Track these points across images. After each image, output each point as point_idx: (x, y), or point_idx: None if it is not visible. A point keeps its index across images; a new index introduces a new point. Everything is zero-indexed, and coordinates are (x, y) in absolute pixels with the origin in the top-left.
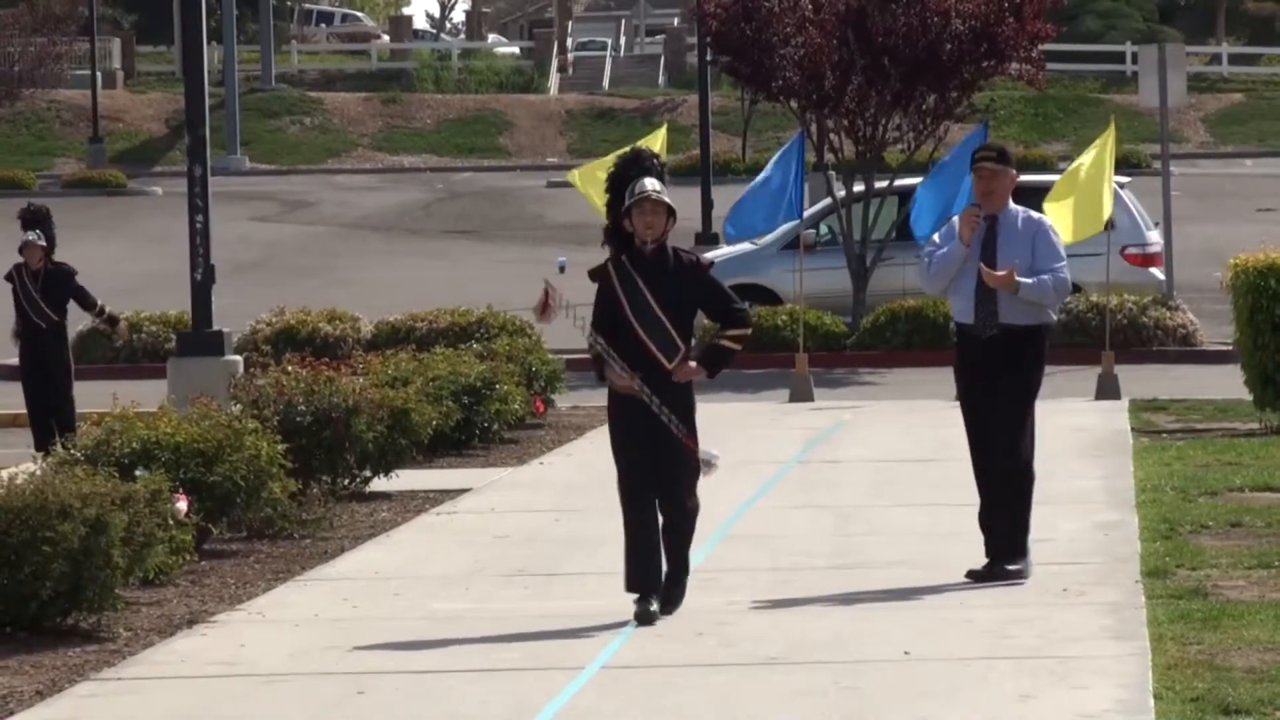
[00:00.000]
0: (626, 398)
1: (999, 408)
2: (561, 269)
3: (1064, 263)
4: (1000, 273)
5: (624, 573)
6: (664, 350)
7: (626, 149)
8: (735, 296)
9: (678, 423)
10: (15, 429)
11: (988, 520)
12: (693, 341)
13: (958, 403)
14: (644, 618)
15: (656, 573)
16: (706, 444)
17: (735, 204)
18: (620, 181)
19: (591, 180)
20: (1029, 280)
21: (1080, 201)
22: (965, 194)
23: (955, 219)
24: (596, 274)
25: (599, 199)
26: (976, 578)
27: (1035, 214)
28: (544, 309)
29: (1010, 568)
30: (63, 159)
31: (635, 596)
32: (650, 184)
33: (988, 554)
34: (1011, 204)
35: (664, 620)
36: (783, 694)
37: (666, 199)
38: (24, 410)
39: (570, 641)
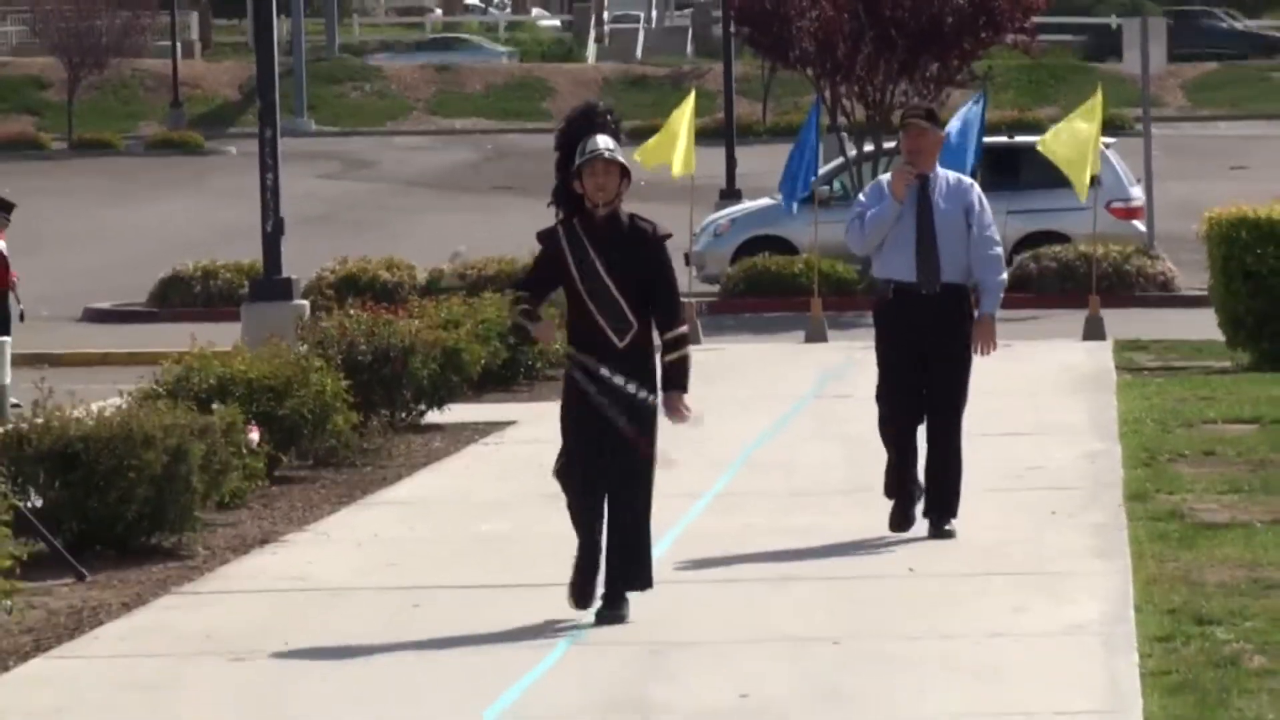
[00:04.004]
0: (584, 384)
1: (948, 369)
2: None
3: (994, 227)
4: (985, 338)
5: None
6: (615, 326)
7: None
8: (677, 288)
9: (634, 403)
10: (103, 367)
11: (907, 478)
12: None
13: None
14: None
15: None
16: (729, 383)
17: (784, 178)
18: (570, 139)
19: (656, 151)
20: (992, 300)
21: (1077, 159)
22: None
23: (882, 178)
24: (544, 236)
25: (669, 152)
26: (934, 532)
27: (963, 177)
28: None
29: (948, 528)
30: (146, 122)
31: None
32: (602, 141)
33: (919, 513)
34: (939, 166)
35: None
36: (798, 606)
37: (620, 158)
38: (112, 350)
39: None
